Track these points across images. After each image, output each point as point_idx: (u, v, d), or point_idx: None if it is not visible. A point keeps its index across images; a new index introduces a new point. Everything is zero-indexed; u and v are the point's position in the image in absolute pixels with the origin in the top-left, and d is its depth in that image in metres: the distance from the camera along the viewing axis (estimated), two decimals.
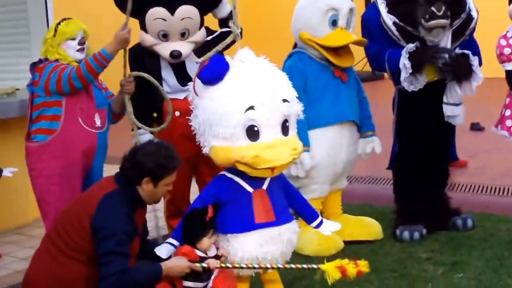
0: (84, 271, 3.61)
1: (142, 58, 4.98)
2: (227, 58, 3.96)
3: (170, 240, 3.97)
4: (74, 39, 4.55)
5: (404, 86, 5.25)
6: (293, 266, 4.02)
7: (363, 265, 4.01)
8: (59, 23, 4.60)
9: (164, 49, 4.86)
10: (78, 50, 4.56)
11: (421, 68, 5.19)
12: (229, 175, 4.06)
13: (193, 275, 3.76)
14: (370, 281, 4.77)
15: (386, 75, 5.75)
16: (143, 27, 4.94)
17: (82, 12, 10.81)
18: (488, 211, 5.97)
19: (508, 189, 6.65)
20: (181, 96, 4.91)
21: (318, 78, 5.21)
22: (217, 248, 3.96)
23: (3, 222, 6.01)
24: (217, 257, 3.91)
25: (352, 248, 5.30)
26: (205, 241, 3.83)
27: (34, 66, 4.60)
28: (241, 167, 3.92)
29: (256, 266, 3.93)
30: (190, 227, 3.85)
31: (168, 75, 4.97)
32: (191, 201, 5.12)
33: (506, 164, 7.21)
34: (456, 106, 5.32)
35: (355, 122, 5.43)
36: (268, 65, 4.05)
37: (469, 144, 6.22)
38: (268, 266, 3.96)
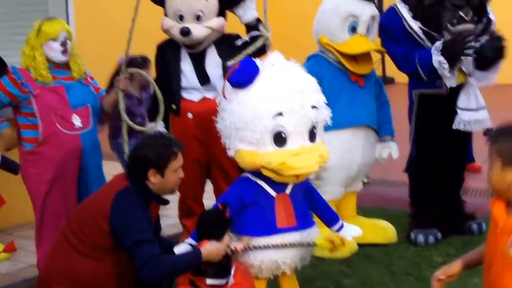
0: (98, 268, 3.63)
1: (165, 51, 5.00)
2: (258, 61, 3.95)
3: (189, 240, 3.98)
4: (55, 40, 4.51)
5: (445, 82, 5.25)
6: (295, 243, 4.04)
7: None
8: (43, 23, 4.56)
9: (177, 29, 4.86)
10: (61, 52, 4.53)
11: (457, 61, 5.19)
12: (252, 178, 4.06)
13: (214, 272, 3.77)
14: (385, 284, 4.80)
15: (397, 79, 5.77)
16: (165, 11, 4.97)
17: (102, 15, 10.88)
18: None
19: None
20: (196, 98, 4.92)
21: (333, 81, 5.22)
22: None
23: (17, 217, 6.03)
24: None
25: (366, 251, 5.32)
26: (226, 238, 3.84)
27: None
28: (266, 173, 3.92)
29: (270, 246, 3.95)
30: (209, 227, 3.85)
31: (187, 67, 4.95)
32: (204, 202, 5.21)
33: None
34: (478, 111, 5.32)
35: (372, 126, 5.45)
36: (298, 69, 4.05)
37: (482, 150, 6.19)
38: (280, 245, 3.98)
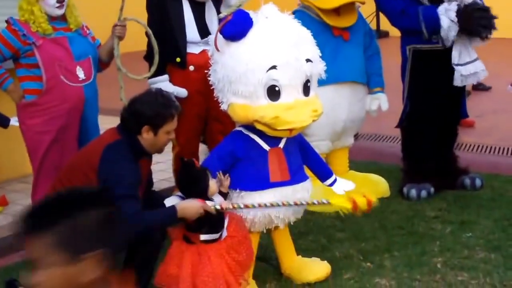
0: None
1: (165, 1, 4.88)
2: (251, 13, 3.87)
3: (179, 193, 3.93)
4: None
5: (443, 41, 5.21)
6: (303, 202, 4.01)
7: (371, 196, 4.05)
8: None
9: None
10: (57, 7, 4.45)
11: (466, 32, 5.16)
12: (245, 132, 4.02)
13: (207, 227, 3.75)
14: (377, 237, 4.83)
15: (391, 33, 5.70)
16: None
17: None
18: (496, 171, 5.99)
19: None
20: (197, 50, 4.86)
21: (316, 37, 5.07)
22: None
23: (8, 171, 6.02)
24: (223, 195, 3.90)
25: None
26: (212, 186, 3.80)
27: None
28: (260, 127, 3.88)
29: (268, 205, 3.91)
30: (192, 184, 3.79)
31: (189, 21, 4.87)
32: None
33: None
34: (473, 63, 5.28)
35: (359, 81, 5.39)
36: (293, 21, 3.97)
37: (475, 104, 6.21)
38: (280, 204, 3.93)
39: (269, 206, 3.92)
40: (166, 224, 3.71)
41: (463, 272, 4.25)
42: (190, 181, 3.78)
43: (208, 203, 3.73)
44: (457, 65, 5.23)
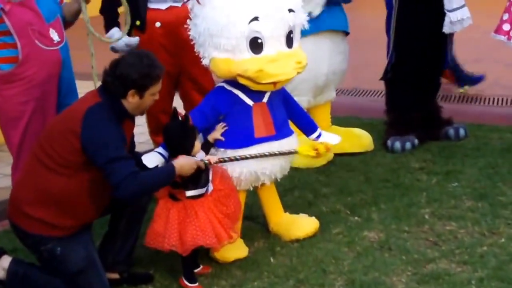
0: (70, 185, 3.49)
1: None
2: None
3: (159, 149, 3.85)
4: None
5: None
6: (276, 152, 3.98)
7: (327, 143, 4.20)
8: None
9: None
10: None
11: None
12: (228, 87, 3.94)
13: (192, 183, 3.68)
14: (363, 191, 4.81)
15: None
16: None
17: None
18: (479, 121, 5.97)
19: (499, 98, 6.65)
20: (163, 6, 4.69)
21: None
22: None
23: None
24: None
25: (343, 160, 5.33)
26: (197, 145, 3.73)
27: None
28: (243, 81, 3.81)
29: (248, 156, 3.88)
30: (176, 140, 3.70)
31: None
32: None
33: (496, 73, 7.17)
34: (461, 9, 5.22)
35: (340, 30, 5.29)
36: None
37: (459, 55, 6.15)
38: (258, 155, 3.91)
39: (249, 157, 3.88)
40: (165, 182, 3.61)
41: (451, 222, 4.24)
42: (182, 136, 3.69)
43: (196, 159, 3.67)
44: (448, 10, 5.16)
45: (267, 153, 3.95)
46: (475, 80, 6.56)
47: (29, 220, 3.52)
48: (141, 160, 3.73)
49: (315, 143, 4.16)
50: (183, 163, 3.57)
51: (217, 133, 3.91)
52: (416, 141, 5.48)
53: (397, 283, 3.61)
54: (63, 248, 3.52)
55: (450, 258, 3.81)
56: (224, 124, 3.92)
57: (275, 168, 4.03)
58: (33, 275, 3.64)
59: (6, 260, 3.68)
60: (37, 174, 3.53)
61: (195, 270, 3.84)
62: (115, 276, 3.79)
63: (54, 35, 4.31)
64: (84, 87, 3.75)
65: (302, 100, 5.13)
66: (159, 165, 3.72)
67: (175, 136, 3.70)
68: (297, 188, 4.91)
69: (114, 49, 4.67)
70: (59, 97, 4.41)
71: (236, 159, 3.88)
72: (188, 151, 3.67)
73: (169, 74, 4.72)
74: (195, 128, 3.73)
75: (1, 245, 3.89)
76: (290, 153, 4.05)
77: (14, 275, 3.64)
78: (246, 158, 3.90)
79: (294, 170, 4.84)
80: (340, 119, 5.93)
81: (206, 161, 3.69)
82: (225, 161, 3.85)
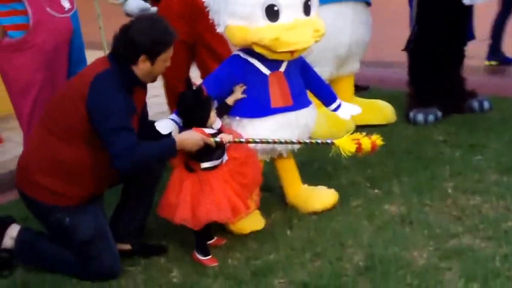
0: (78, 154, 3.42)
1: None
2: None
3: (172, 116, 3.72)
4: None
5: None
6: (307, 141, 3.84)
7: (377, 138, 3.85)
8: None
9: None
10: None
11: None
12: (244, 55, 3.82)
13: (207, 155, 3.57)
14: (384, 163, 4.69)
15: None
16: None
17: None
18: (504, 94, 5.82)
19: None
20: None
21: None
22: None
23: (3, 108, 5.82)
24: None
25: (365, 132, 5.16)
26: (212, 116, 3.60)
27: None
28: (259, 50, 3.69)
29: (270, 141, 3.72)
30: (189, 110, 3.58)
31: None
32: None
33: None
34: None
35: (361, 0, 5.16)
36: None
37: (482, 28, 6.03)
38: (283, 141, 3.76)
39: (271, 142, 3.73)
40: (164, 156, 3.53)
41: (475, 196, 4.10)
42: (195, 107, 3.56)
43: (206, 130, 3.55)
44: None
45: (295, 141, 3.80)
46: (506, 60, 6.41)
47: (37, 188, 3.46)
48: (154, 127, 3.62)
49: (356, 135, 3.86)
50: (186, 139, 3.46)
51: (237, 94, 3.78)
52: (439, 113, 5.36)
53: (418, 258, 3.49)
54: (72, 218, 3.46)
55: (473, 233, 3.67)
56: (242, 84, 3.79)
57: (291, 139, 3.89)
58: (41, 245, 3.60)
59: (15, 229, 3.64)
60: (45, 142, 3.46)
61: (209, 242, 3.76)
62: (127, 247, 3.72)
63: (65, 2, 4.24)
64: (94, 57, 3.65)
65: (324, 71, 5.02)
66: (173, 133, 3.60)
67: (189, 106, 3.58)
68: (316, 160, 4.80)
69: (128, 14, 4.60)
70: (69, 66, 4.32)
71: (255, 142, 3.71)
72: (203, 122, 3.56)
73: (185, 43, 4.66)
74: (210, 98, 3.61)
75: (12, 214, 3.83)
76: (324, 144, 3.81)
77: (22, 244, 3.61)
78: (267, 142, 3.73)
79: None
80: (363, 91, 5.86)
81: (218, 140, 3.57)
82: (240, 142, 3.68)
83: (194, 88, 3.63)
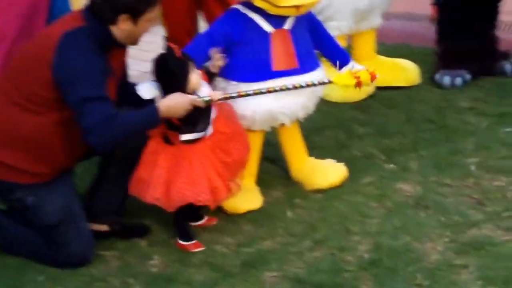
0: (41, 125, 3.02)
1: None
2: None
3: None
4: None
5: None
6: (303, 84, 3.42)
7: (374, 69, 3.51)
8: None
9: None
10: None
11: None
12: (243, 10, 3.42)
13: (189, 125, 3.16)
14: (403, 133, 4.32)
15: None
16: None
17: None
18: None
19: None
20: None
21: None
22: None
23: None
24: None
25: (384, 94, 4.82)
26: (193, 77, 3.15)
27: None
28: (260, 3, 3.31)
29: (264, 91, 3.34)
30: (167, 77, 3.15)
31: None
32: None
33: None
34: None
35: None
36: None
37: None
38: (277, 88, 3.35)
39: (265, 91, 3.33)
40: (146, 127, 3.11)
41: (501, 176, 3.71)
42: (166, 73, 3.14)
43: (191, 97, 3.12)
44: None
45: (290, 86, 3.38)
46: None
47: None
48: (135, 90, 3.20)
49: (357, 70, 3.53)
50: (171, 104, 3.03)
51: (217, 60, 3.35)
52: (468, 76, 4.93)
53: (430, 252, 3.12)
54: (35, 198, 3.08)
55: (496, 223, 3.29)
56: (218, 49, 3.36)
57: (295, 106, 3.51)
58: (4, 225, 3.23)
59: None
60: (3, 111, 3.05)
61: (199, 222, 3.39)
62: (104, 228, 3.33)
63: None
64: None
65: (342, 25, 4.69)
66: (156, 97, 3.17)
67: (158, 72, 3.15)
68: (328, 127, 4.41)
69: None
70: (50, 17, 3.91)
71: (248, 94, 3.30)
72: (181, 88, 3.10)
73: None
74: (184, 61, 3.14)
75: None
76: (321, 84, 3.44)
77: None
78: (260, 92, 3.33)
79: (328, 105, 4.42)
80: (388, 47, 5.43)
81: (208, 98, 3.14)
82: (232, 97, 3.28)
83: (165, 50, 3.18)
